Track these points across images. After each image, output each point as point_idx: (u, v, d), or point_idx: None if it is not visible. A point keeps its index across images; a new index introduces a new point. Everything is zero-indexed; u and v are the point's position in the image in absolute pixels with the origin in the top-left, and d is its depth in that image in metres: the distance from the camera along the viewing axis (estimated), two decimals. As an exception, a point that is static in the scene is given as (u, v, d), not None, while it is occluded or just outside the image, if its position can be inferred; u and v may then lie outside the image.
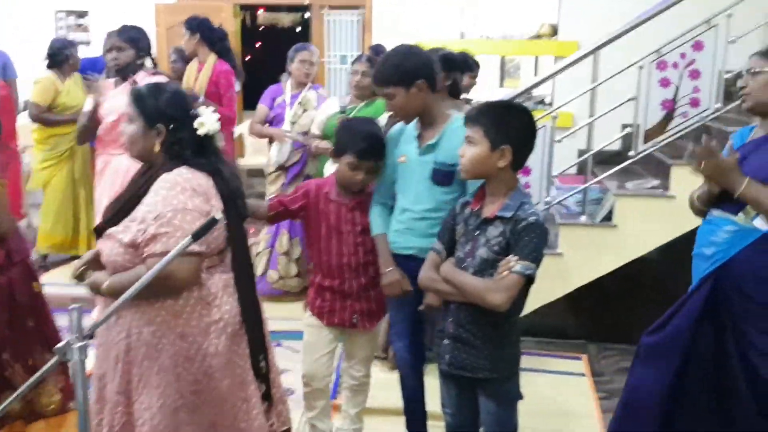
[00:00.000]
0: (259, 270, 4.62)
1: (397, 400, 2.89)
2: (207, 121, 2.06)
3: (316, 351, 2.75)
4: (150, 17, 7.50)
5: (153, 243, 1.91)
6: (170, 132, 2.04)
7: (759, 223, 2.32)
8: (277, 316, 3.32)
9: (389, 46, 2.71)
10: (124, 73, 3.77)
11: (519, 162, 2.17)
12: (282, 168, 4.48)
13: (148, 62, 4.73)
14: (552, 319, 4.01)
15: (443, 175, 2.46)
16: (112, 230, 1.99)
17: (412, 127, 2.58)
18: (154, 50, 7.32)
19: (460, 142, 2.32)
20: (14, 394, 1.66)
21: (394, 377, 2.91)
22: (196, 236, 1.57)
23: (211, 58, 4.61)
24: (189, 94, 2.64)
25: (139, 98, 2.08)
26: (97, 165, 3.98)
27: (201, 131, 2.06)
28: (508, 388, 2.27)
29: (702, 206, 2.51)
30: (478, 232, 2.17)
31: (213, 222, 1.60)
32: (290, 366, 3.28)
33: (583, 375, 3.73)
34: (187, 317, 2.00)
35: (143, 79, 3.75)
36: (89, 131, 3.93)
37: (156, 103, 2.06)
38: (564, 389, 3.57)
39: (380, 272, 2.61)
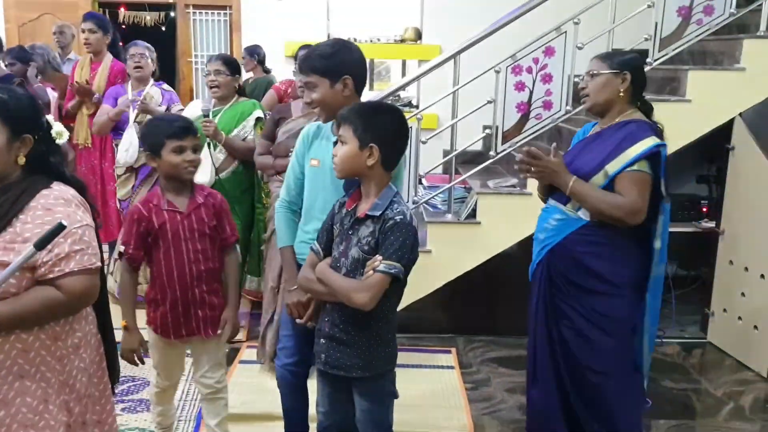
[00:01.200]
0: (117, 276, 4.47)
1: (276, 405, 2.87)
2: (61, 129, 1.93)
3: (167, 368, 2.73)
4: (-2, 12, 7.05)
5: (66, 261, 1.72)
6: (36, 142, 1.81)
7: (583, 213, 2.57)
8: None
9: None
10: None
11: (390, 161, 2.20)
12: (131, 169, 4.35)
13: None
14: (423, 314, 4.13)
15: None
16: None
17: (329, 129, 2.44)
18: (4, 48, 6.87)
19: None
20: None
21: (268, 382, 2.89)
22: (41, 245, 1.51)
23: (108, 58, 4.59)
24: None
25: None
26: None
27: (59, 140, 1.90)
28: (383, 386, 2.31)
29: (542, 197, 2.77)
30: (351, 232, 2.20)
31: (60, 229, 1.54)
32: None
33: (452, 368, 3.86)
34: (66, 337, 1.82)
35: None
36: None
37: (22, 110, 1.80)
38: (435, 382, 3.68)
39: (286, 288, 2.52)
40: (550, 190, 2.70)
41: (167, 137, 2.50)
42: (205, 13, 7.52)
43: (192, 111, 3.97)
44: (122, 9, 8.64)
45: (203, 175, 3.76)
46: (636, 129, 2.54)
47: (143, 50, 4.33)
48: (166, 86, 4.50)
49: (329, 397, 2.37)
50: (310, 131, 2.52)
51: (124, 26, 9.08)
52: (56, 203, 1.77)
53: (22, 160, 1.80)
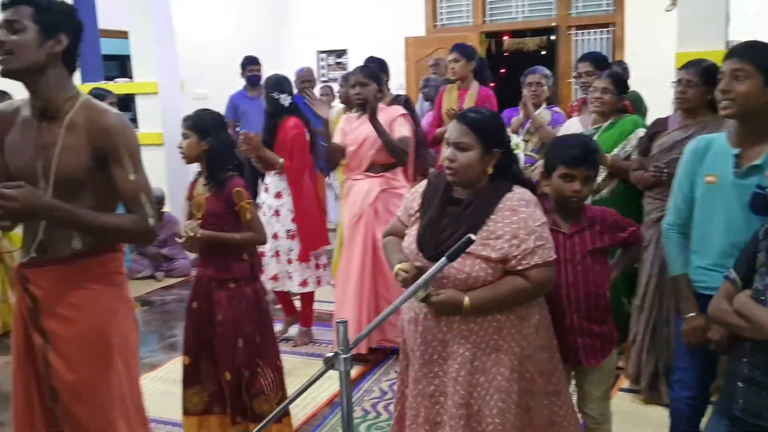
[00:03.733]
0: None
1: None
2: (518, 141, 2.19)
3: None
4: (400, 51, 7.92)
5: (531, 256, 2.09)
6: (502, 155, 2.18)
7: None
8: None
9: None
10: (365, 107, 3.92)
11: None
12: None
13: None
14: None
15: (766, 203, 2.08)
16: (469, 249, 2.00)
17: (723, 141, 2.27)
18: (402, 81, 7.74)
19: None
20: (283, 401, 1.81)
21: (648, 411, 2.69)
22: (452, 257, 1.63)
23: (475, 84, 4.81)
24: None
25: (475, 123, 2.17)
26: (345, 189, 4.22)
27: (517, 151, 2.22)
28: None
29: None
30: None
31: (468, 243, 1.66)
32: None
33: None
34: (529, 318, 2.18)
35: (381, 110, 3.95)
36: (333, 158, 4.14)
37: (493, 128, 2.20)
38: None
39: (683, 316, 2.38)
40: None
41: (560, 162, 2.41)
42: (587, 32, 7.50)
43: (570, 127, 3.91)
44: (506, 37, 9.06)
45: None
46: None
47: (540, 78, 4.51)
48: (557, 108, 4.62)
49: None
50: (700, 144, 2.33)
51: (506, 53, 9.53)
52: (519, 204, 2.12)
53: (490, 170, 2.17)
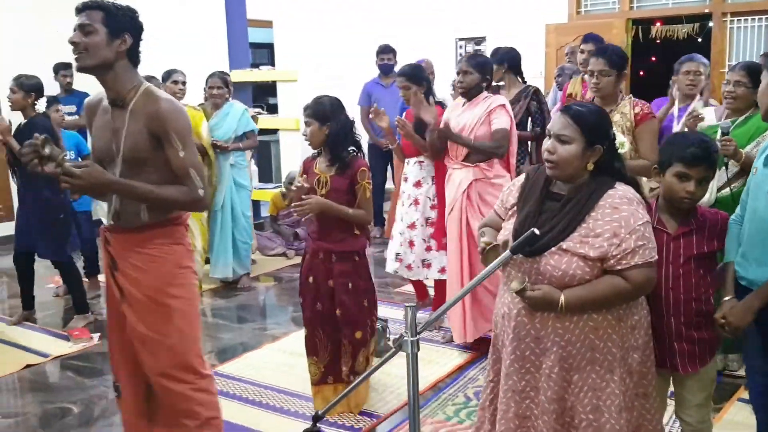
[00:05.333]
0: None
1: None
2: (623, 140, 2.19)
3: None
4: (540, 38, 7.75)
5: (631, 255, 2.03)
6: (604, 151, 2.13)
7: None
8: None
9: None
10: (468, 95, 3.95)
11: None
12: None
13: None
14: None
15: None
16: (567, 246, 2.06)
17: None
18: (542, 70, 7.57)
19: None
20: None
21: None
22: (515, 250, 1.64)
23: None
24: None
25: (578, 116, 2.12)
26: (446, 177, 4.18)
27: (621, 150, 2.21)
28: None
29: None
30: None
31: (532, 236, 1.66)
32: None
33: None
34: (626, 319, 2.13)
35: (483, 99, 3.92)
36: (436, 145, 4.08)
37: (597, 123, 2.13)
38: None
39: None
40: None
41: (677, 159, 2.30)
42: (744, 20, 6.99)
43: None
44: (657, 24, 8.60)
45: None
46: None
47: (698, 66, 4.06)
48: (713, 101, 4.36)
49: None
50: None
51: (658, 41, 9.04)
52: (621, 202, 2.06)
53: (591, 167, 2.12)
